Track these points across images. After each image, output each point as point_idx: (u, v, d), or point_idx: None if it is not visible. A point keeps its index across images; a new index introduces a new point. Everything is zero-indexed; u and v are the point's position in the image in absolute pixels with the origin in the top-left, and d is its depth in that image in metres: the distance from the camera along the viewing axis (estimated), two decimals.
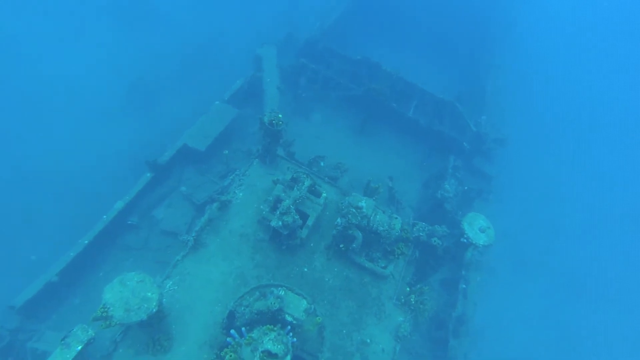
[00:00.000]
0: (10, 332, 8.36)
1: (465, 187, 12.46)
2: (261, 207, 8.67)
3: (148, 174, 10.68)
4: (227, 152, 10.72)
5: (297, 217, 7.72)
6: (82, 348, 6.06)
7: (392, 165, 13.83)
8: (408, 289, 8.54)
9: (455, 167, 12.31)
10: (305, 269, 8.45)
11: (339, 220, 8.10)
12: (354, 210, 8.00)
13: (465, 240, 8.26)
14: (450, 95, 13.98)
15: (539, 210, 18.72)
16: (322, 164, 10.77)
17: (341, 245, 8.39)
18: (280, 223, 7.62)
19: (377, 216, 8.22)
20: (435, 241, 8.81)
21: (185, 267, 7.81)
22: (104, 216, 9.78)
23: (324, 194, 8.95)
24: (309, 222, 8.39)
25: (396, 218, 8.31)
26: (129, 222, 10.20)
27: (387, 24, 19.24)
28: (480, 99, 14.37)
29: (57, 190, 13.05)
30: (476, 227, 8.30)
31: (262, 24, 18.79)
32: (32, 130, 14.55)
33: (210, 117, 12.11)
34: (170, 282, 7.55)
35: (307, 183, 8.37)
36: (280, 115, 8.71)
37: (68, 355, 6.07)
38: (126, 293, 5.77)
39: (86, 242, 9.40)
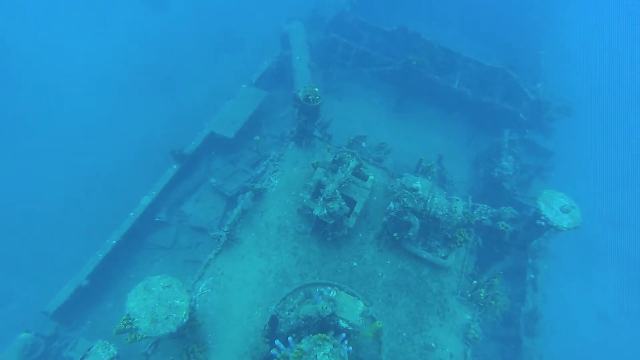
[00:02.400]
0: (46, 339, 7.76)
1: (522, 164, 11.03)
2: (300, 194, 7.64)
3: (174, 166, 9.85)
4: (257, 137, 9.72)
5: (343, 203, 6.64)
6: None
7: (434, 145, 12.57)
8: (475, 282, 7.31)
9: (511, 142, 10.86)
10: (355, 263, 7.38)
11: (391, 204, 6.97)
12: (408, 193, 6.85)
13: (543, 223, 6.93)
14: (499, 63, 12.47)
15: (608, 189, 16.67)
16: (363, 144, 9.61)
17: (395, 234, 7.26)
18: (324, 211, 6.55)
19: (435, 199, 7.04)
20: (502, 225, 7.53)
21: (218, 266, 6.89)
22: (131, 213, 9.02)
23: (371, 176, 7.82)
24: (357, 209, 7.29)
25: (457, 200, 7.10)
26: (157, 218, 9.42)
27: None
28: (534, 66, 12.74)
29: (81, 186, 12.45)
30: (556, 207, 6.95)
31: (283, 1, 17.61)
32: (48, 121, 14.09)
33: (238, 101, 11.18)
34: (203, 284, 6.66)
35: (352, 164, 7.25)
36: (316, 89, 7.62)
37: None
38: (152, 301, 4.86)
39: (114, 242, 8.67)
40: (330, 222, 6.69)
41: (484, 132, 12.58)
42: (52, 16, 17.74)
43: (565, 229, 6.73)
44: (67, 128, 13.87)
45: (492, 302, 7.08)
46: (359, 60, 13.12)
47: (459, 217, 7.04)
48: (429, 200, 6.97)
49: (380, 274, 7.36)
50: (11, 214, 12.03)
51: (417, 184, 6.91)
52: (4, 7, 17.45)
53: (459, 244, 7.47)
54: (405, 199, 6.76)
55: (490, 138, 12.03)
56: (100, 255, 8.44)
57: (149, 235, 9.51)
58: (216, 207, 9.78)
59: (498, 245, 8.08)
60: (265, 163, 8.28)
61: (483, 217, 7.88)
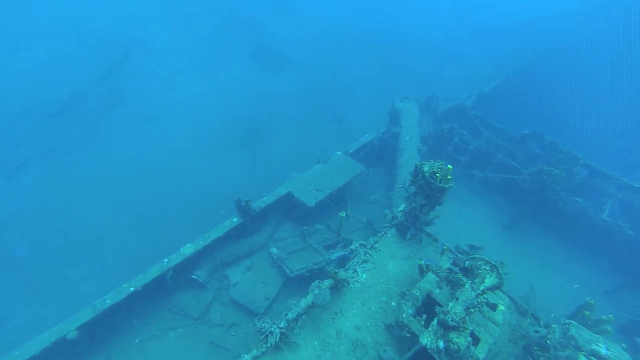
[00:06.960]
0: None
1: None
2: (393, 303, 5.22)
3: (234, 219, 7.99)
4: (343, 214, 7.64)
5: (470, 339, 4.09)
6: None
7: (556, 286, 9.65)
8: None
9: None
10: None
11: None
12: None
13: None
14: None
15: None
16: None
17: None
18: (440, 344, 4.03)
19: None
20: None
21: None
22: (165, 260, 7.08)
23: (502, 307, 5.22)
24: (480, 353, 4.62)
25: None
26: (193, 276, 7.36)
27: (548, 107, 15.89)
28: None
29: (133, 218, 10.93)
30: None
31: (397, 83, 16.84)
32: (134, 144, 13.59)
33: (328, 168, 9.46)
34: None
35: (489, 281, 4.77)
36: (449, 167, 5.55)
37: None
38: None
39: (131, 289, 6.62)
40: None
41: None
42: (174, 52, 18.66)
43: None
44: (146, 155, 13.16)
45: None
46: (474, 159, 11.12)
47: None
48: None
49: None
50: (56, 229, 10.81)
51: (603, 350, 4.18)
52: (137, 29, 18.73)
53: None
54: None
55: None
56: (108, 301, 6.37)
57: (177, 293, 7.43)
58: (269, 284, 7.54)
59: None
60: (353, 247, 6.07)
61: None
